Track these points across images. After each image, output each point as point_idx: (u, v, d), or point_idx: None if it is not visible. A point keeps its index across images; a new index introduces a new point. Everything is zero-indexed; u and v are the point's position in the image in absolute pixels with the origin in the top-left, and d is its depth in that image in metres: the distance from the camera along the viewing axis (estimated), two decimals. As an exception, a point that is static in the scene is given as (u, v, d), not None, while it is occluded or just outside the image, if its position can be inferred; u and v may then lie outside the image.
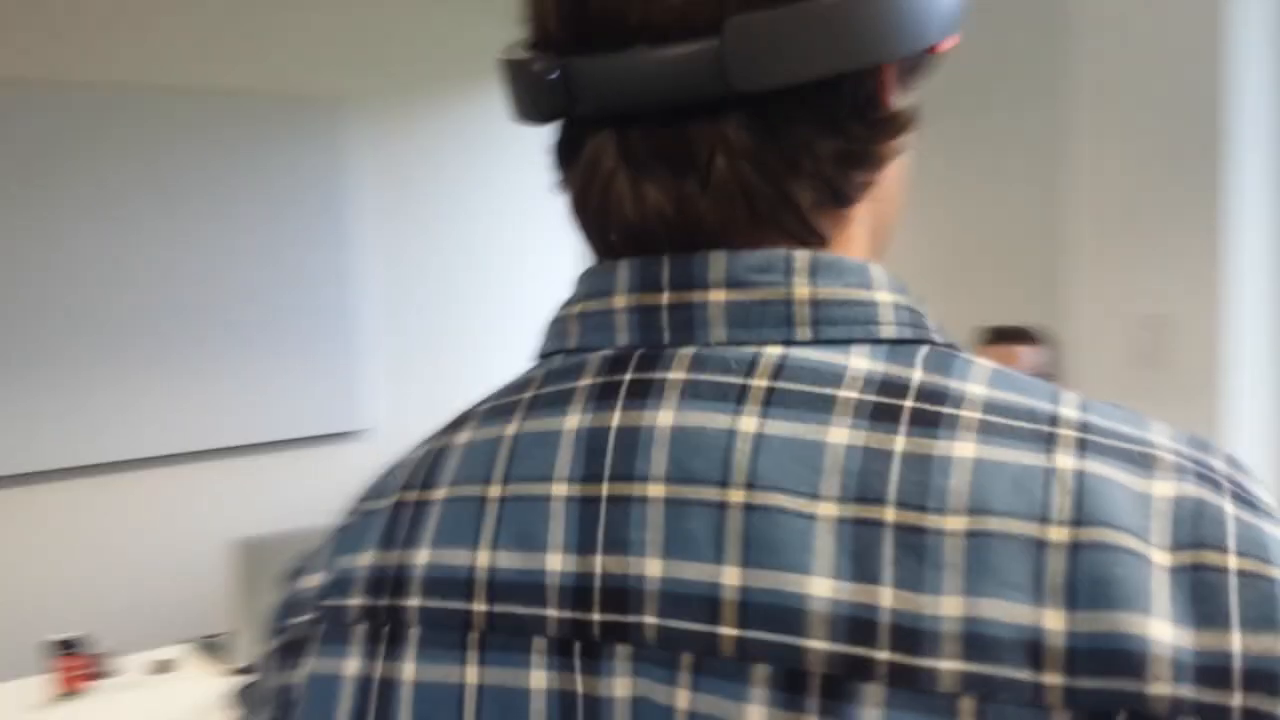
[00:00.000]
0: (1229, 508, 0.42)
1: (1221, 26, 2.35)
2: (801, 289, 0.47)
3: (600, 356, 0.49)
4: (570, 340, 0.51)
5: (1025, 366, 2.36)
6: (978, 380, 0.45)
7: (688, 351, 0.47)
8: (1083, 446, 0.43)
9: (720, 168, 0.47)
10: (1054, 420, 0.44)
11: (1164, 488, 0.42)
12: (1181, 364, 2.48)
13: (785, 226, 0.48)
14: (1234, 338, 2.42)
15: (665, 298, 0.48)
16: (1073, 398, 0.46)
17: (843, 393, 0.44)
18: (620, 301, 0.49)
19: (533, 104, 0.50)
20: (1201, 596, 0.40)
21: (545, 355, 0.52)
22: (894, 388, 0.45)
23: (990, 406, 0.44)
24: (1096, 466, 0.42)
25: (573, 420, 0.47)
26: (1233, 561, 0.40)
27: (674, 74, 0.46)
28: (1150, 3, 2.45)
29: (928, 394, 0.44)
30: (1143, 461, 0.43)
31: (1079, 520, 0.41)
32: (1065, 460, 0.42)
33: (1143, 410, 2.51)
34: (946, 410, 0.44)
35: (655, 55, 0.46)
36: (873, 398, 0.44)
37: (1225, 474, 0.43)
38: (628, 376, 0.48)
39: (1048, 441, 0.43)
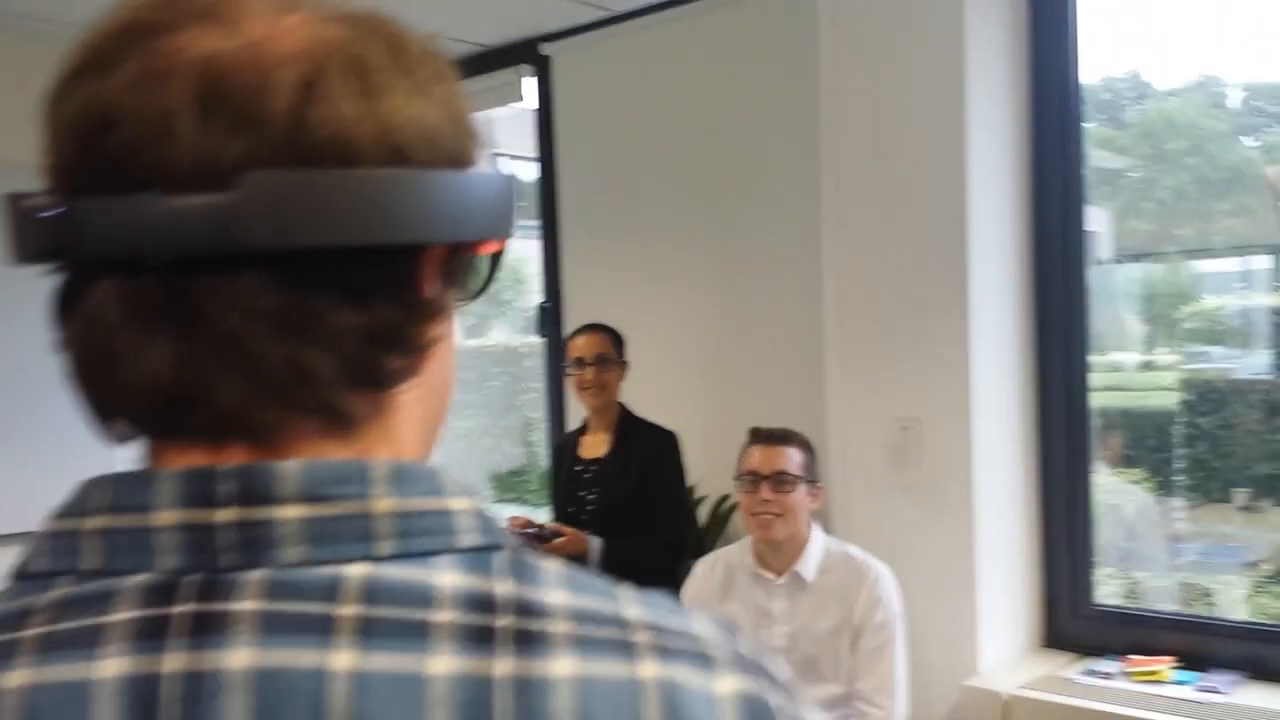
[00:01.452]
0: (774, 699, 0.45)
1: (966, 148, 2.50)
2: (381, 501, 0.44)
3: (137, 584, 0.43)
4: (84, 561, 0.44)
5: (793, 467, 2.40)
6: (555, 587, 0.45)
7: (258, 576, 0.42)
8: (658, 652, 0.44)
9: (229, 329, 0.43)
10: (625, 625, 0.45)
11: (724, 685, 0.45)
12: (933, 464, 2.59)
13: (301, 402, 0.45)
14: (980, 438, 2.55)
15: (225, 514, 0.43)
16: (629, 594, 0.47)
17: (437, 616, 0.42)
18: (165, 518, 0.43)
19: (24, 243, 0.44)
20: None
21: (39, 575, 0.44)
22: (484, 604, 0.43)
23: (575, 615, 0.44)
24: (673, 672, 0.44)
25: (109, 666, 0.41)
26: None
27: (184, 225, 0.43)
28: (897, 121, 2.59)
29: (518, 609, 0.44)
30: (703, 662, 0.45)
31: None
32: (648, 670, 0.44)
33: (899, 507, 2.61)
34: (537, 627, 0.43)
35: (166, 203, 0.43)
36: (467, 619, 0.43)
37: (757, 661, 0.47)
38: (183, 609, 0.42)
39: (628, 650, 0.44)
